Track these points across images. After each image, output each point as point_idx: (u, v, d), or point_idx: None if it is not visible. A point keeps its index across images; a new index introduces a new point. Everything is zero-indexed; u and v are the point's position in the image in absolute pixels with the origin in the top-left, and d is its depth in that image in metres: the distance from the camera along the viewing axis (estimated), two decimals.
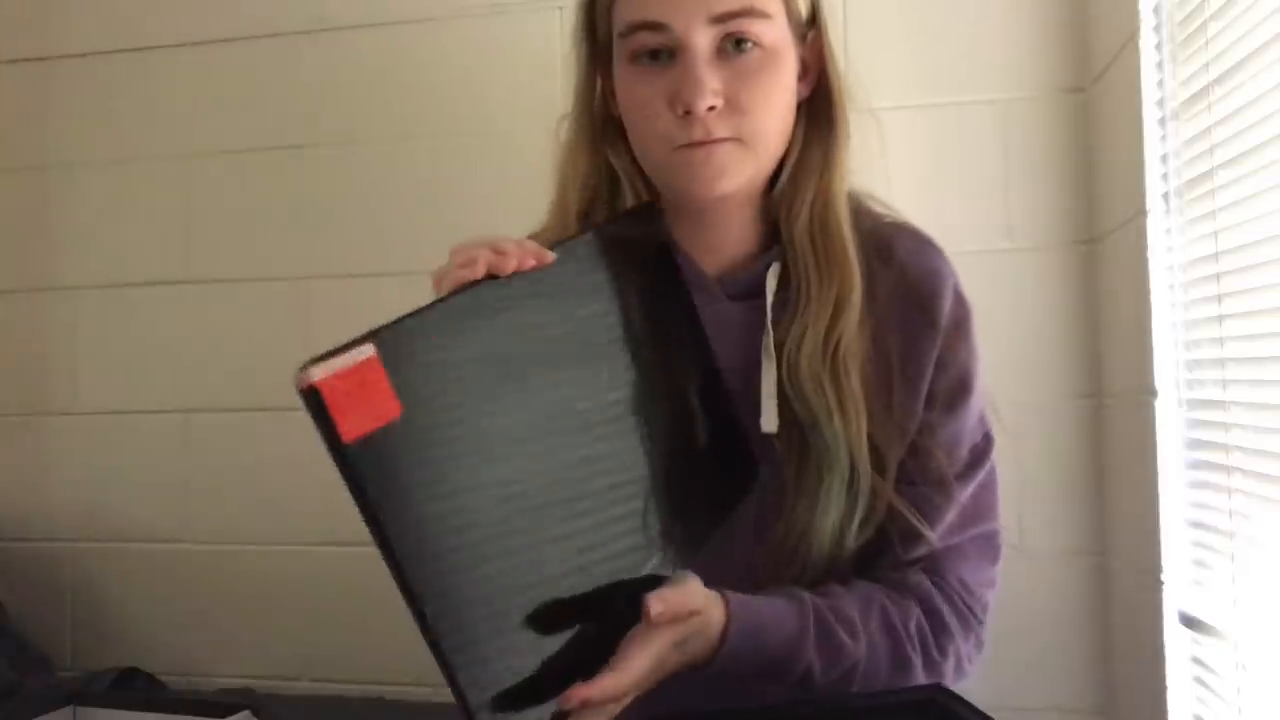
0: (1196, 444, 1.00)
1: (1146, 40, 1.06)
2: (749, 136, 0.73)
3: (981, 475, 0.80)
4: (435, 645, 0.49)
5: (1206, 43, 0.93)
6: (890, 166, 1.29)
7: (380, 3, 1.46)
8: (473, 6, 1.43)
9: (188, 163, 1.53)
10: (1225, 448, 0.92)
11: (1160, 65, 1.05)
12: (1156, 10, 1.05)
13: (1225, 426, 0.92)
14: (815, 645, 0.71)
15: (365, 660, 1.42)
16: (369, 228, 1.46)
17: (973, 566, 0.79)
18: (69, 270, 1.56)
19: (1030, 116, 1.28)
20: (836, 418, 0.72)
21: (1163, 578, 1.04)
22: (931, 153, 1.30)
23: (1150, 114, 1.06)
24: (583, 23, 0.79)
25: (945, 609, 0.77)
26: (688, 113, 0.71)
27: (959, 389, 0.77)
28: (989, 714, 0.62)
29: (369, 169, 1.47)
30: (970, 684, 0.77)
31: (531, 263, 0.64)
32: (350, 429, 0.49)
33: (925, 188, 1.30)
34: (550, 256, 0.65)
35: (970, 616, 0.79)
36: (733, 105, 0.71)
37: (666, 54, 0.71)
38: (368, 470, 0.49)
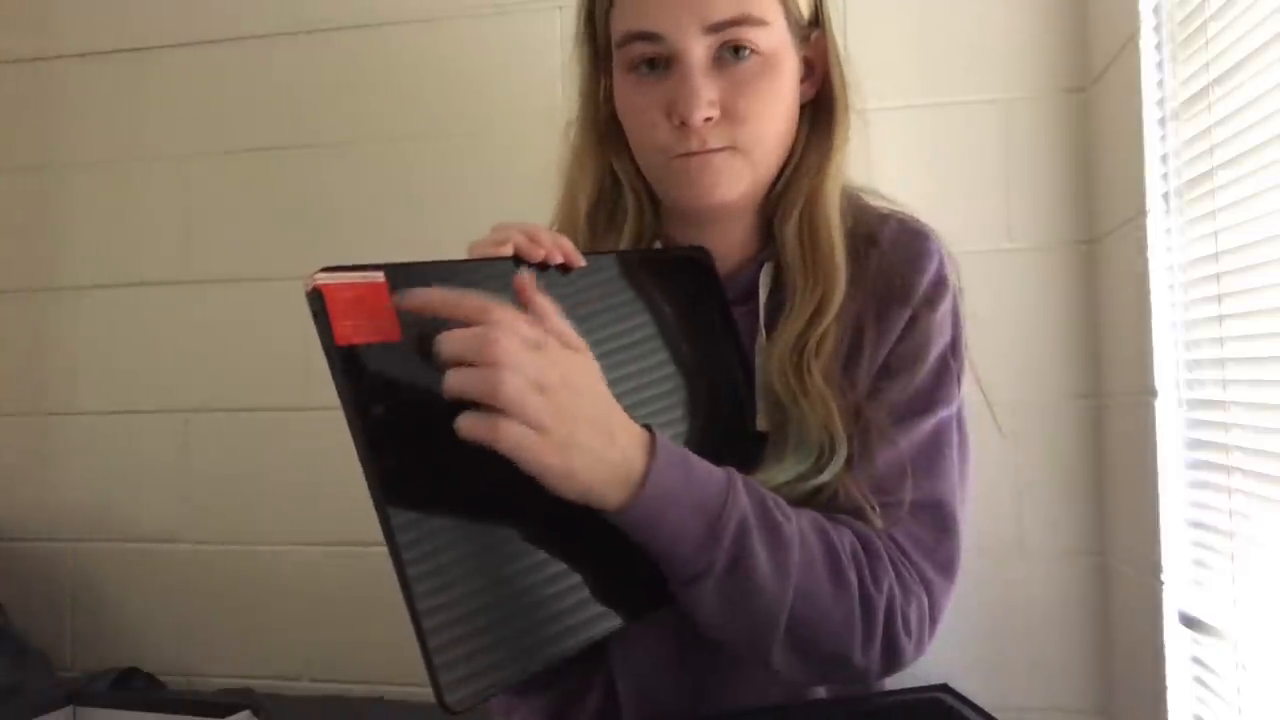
0: (1196, 444, 1.00)
1: (1146, 40, 1.06)
2: (746, 145, 0.73)
3: (922, 433, 0.74)
4: (398, 558, 0.51)
5: (1206, 43, 0.93)
6: (890, 166, 1.30)
7: (380, 3, 1.46)
8: (473, 6, 1.43)
9: (187, 163, 1.53)
10: (1225, 448, 0.92)
11: (1160, 65, 1.05)
12: (1156, 10, 1.05)
13: (1225, 426, 0.92)
14: (747, 494, 0.64)
15: (365, 660, 1.42)
16: (369, 228, 1.46)
17: (908, 531, 0.71)
18: (69, 270, 1.56)
19: (1030, 116, 1.28)
20: (802, 404, 0.72)
21: (1163, 578, 1.04)
22: (932, 153, 1.30)
23: (1150, 114, 1.06)
24: (583, 27, 0.79)
25: (879, 547, 0.70)
26: (684, 123, 0.71)
27: (912, 356, 0.75)
28: (992, 715, 0.62)
29: (369, 169, 1.46)
30: (970, 684, 0.75)
31: (559, 258, 0.65)
32: (345, 334, 0.52)
33: (925, 188, 1.29)
34: (580, 261, 0.66)
35: (909, 578, 0.70)
36: (730, 114, 0.71)
37: (662, 63, 0.71)
38: (356, 375, 0.52)
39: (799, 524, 0.66)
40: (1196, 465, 1.00)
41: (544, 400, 0.54)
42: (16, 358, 1.57)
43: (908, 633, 0.68)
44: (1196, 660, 1.00)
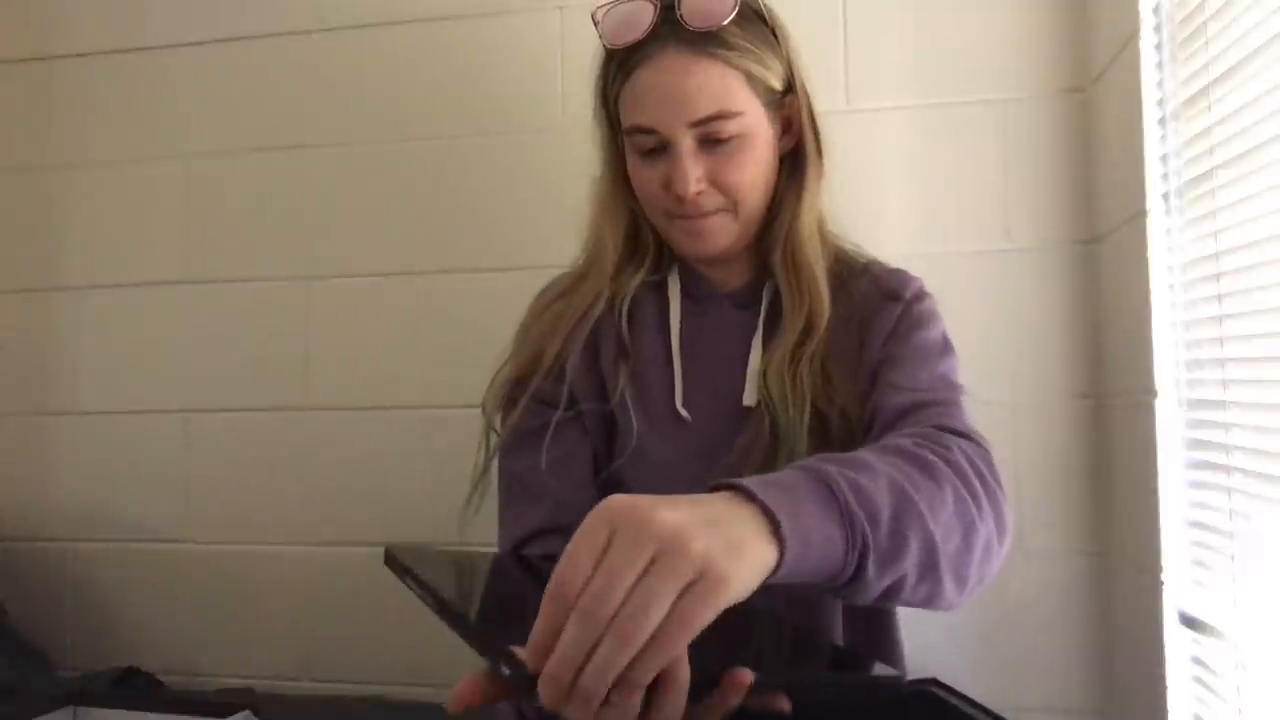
0: (1196, 444, 1.00)
1: (1146, 40, 1.06)
2: (732, 206, 0.87)
3: (939, 370, 0.85)
4: None
5: (1206, 43, 0.93)
6: (890, 166, 1.30)
7: (380, 3, 1.47)
8: (473, 6, 1.43)
9: (188, 163, 1.53)
10: (1225, 448, 0.92)
11: (1160, 65, 1.05)
12: (1156, 10, 1.05)
13: (1225, 426, 0.92)
14: (819, 461, 0.60)
15: (365, 660, 1.42)
16: (369, 228, 1.46)
17: (957, 420, 0.76)
18: (69, 270, 1.56)
19: (1030, 116, 1.28)
20: (792, 410, 0.85)
21: (1163, 578, 1.04)
22: (931, 153, 1.30)
23: (1150, 114, 1.06)
24: (599, 101, 0.91)
25: (928, 429, 0.72)
26: (679, 197, 0.84)
27: (915, 326, 0.88)
28: (980, 703, 0.62)
29: (369, 169, 1.46)
30: (970, 683, 0.76)
31: None
32: None
33: (925, 188, 1.30)
34: None
35: (973, 438, 0.72)
36: (717, 184, 0.85)
37: (660, 147, 0.85)
38: None
39: (881, 456, 0.64)
40: (1196, 465, 1.00)
41: (715, 556, 0.45)
42: (16, 358, 1.57)
43: (997, 481, 0.69)
44: (1196, 660, 1.00)
